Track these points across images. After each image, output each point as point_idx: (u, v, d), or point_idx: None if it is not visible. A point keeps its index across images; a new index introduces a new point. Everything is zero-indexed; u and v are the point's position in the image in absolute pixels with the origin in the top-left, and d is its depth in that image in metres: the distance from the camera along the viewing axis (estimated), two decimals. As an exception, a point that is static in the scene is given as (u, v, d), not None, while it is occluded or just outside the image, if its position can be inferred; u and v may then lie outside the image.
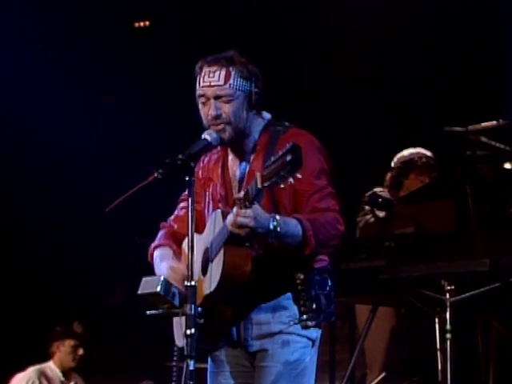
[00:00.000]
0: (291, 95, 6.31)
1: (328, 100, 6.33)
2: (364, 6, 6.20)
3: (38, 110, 6.41)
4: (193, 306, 3.10)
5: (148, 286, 3.35)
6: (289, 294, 3.30)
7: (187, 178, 3.18)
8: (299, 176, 2.94)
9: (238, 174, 3.41)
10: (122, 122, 6.63)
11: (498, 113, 4.79)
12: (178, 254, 3.49)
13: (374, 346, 5.41)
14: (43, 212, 6.65)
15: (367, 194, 5.30)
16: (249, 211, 3.08)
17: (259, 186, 3.02)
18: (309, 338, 3.32)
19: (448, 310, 4.77)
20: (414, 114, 6.15)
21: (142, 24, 6.69)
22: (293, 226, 3.16)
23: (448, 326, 4.78)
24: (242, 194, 3.12)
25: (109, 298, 6.89)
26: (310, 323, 3.26)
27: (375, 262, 5.02)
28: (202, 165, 3.51)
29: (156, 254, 3.48)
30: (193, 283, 3.12)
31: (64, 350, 6.30)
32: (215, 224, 3.30)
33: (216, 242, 3.25)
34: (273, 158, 2.99)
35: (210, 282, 3.24)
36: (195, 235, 3.35)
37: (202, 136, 3.32)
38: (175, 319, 3.46)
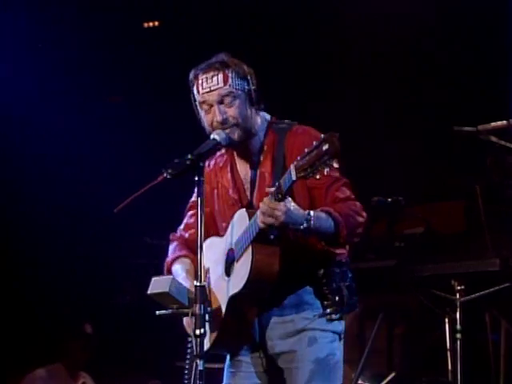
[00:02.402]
0: (293, 93, 6.30)
1: (334, 98, 6.32)
2: (372, 5, 6.18)
3: (43, 110, 6.41)
4: (202, 306, 3.09)
5: (158, 285, 3.35)
6: (310, 289, 3.28)
7: (196, 178, 3.18)
8: (336, 165, 2.92)
9: (248, 176, 3.40)
10: (129, 122, 6.64)
11: (508, 112, 4.77)
12: (195, 261, 3.43)
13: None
14: (54, 212, 6.65)
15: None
16: (282, 204, 3.06)
17: (294, 177, 3.01)
18: (334, 332, 3.30)
19: (458, 309, 4.76)
20: (423, 114, 6.13)
21: (151, 24, 6.69)
22: (324, 219, 3.15)
23: (458, 326, 4.78)
24: (273, 188, 3.10)
25: (118, 298, 6.89)
26: (334, 316, 3.24)
27: (385, 262, 5.01)
28: (208, 169, 3.49)
29: (175, 267, 3.46)
30: (202, 283, 3.11)
31: (73, 350, 6.30)
32: (239, 224, 3.28)
33: (242, 241, 3.23)
34: (307, 149, 2.97)
35: (236, 282, 3.22)
36: (214, 238, 3.39)
37: (211, 136, 3.32)
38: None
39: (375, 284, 5.03)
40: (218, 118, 3.31)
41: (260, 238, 3.15)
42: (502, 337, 5.21)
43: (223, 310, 3.25)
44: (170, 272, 3.50)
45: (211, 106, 3.33)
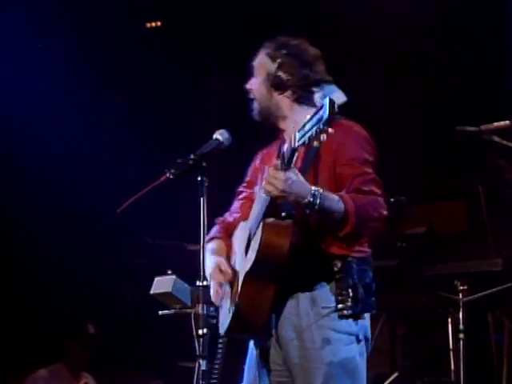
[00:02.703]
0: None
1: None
2: (376, 5, 6.18)
3: (44, 110, 6.41)
4: (205, 305, 3.08)
5: (160, 285, 3.37)
6: (326, 283, 3.22)
7: (199, 178, 3.17)
8: (331, 131, 2.89)
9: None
10: (130, 122, 6.63)
11: (510, 112, 4.77)
12: (230, 246, 3.45)
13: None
14: (55, 212, 6.65)
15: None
16: (282, 173, 3.04)
17: (293, 145, 3.02)
18: (350, 334, 3.23)
19: (461, 309, 4.76)
20: (426, 114, 6.12)
21: (153, 24, 6.68)
22: (335, 201, 3.10)
23: (461, 326, 4.77)
24: (278, 160, 3.10)
25: (120, 298, 6.89)
26: (346, 312, 3.18)
27: (387, 262, 5.00)
28: (260, 155, 3.53)
29: (208, 246, 3.43)
30: (205, 283, 3.10)
31: (75, 350, 6.30)
32: (259, 205, 3.27)
33: (257, 218, 3.23)
34: (308, 117, 2.98)
35: (249, 259, 3.20)
36: (242, 223, 3.39)
37: (214, 136, 3.32)
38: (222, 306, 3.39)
39: (377, 284, 5.02)
40: (247, 84, 3.46)
41: (272, 215, 3.13)
42: (504, 337, 5.21)
43: (240, 288, 3.22)
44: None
45: None
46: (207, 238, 3.43)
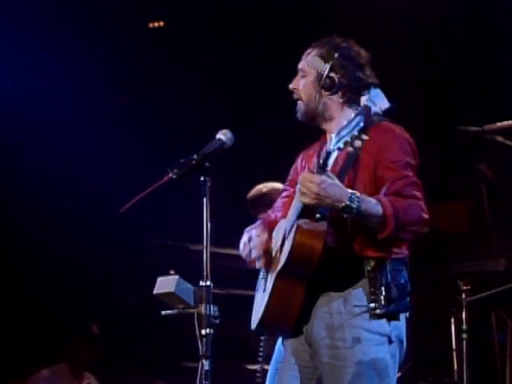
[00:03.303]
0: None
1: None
2: (376, 5, 6.18)
3: (45, 110, 6.41)
4: (208, 305, 3.09)
5: (163, 285, 3.34)
6: (360, 283, 3.20)
7: (202, 179, 3.17)
8: (366, 137, 2.92)
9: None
10: (133, 122, 6.64)
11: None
12: (268, 241, 3.43)
13: None
14: (60, 212, 6.66)
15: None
16: (316, 176, 3.05)
17: (328, 149, 3.05)
18: (382, 334, 3.20)
19: (464, 309, 4.75)
20: (428, 114, 6.12)
21: (156, 24, 6.69)
22: (372, 204, 3.08)
23: (464, 326, 4.77)
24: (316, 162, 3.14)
25: (122, 299, 6.89)
26: (378, 311, 3.16)
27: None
28: (302, 155, 3.51)
29: (245, 235, 3.45)
30: (207, 283, 3.11)
31: (78, 351, 6.30)
32: (295, 204, 3.28)
33: (292, 219, 3.23)
34: (345, 122, 3.00)
35: (282, 259, 3.21)
36: (282, 221, 3.39)
37: (217, 136, 3.31)
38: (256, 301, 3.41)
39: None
40: (290, 84, 3.42)
41: (306, 216, 3.14)
42: (507, 337, 5.21)
43: (273, 282, 3.23)
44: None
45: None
46: (246, 230, 3.47)
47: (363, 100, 3.35)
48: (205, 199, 3.15)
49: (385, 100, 3.38)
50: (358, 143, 2.94)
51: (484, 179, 4.89)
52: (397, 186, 3.17)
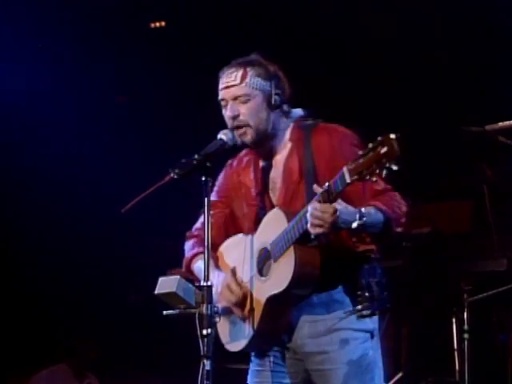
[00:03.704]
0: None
1: (340, 95, 6.31)
2: (376, 5, 6.17)
3: (47, 109, 6.41)
4: (209, 305, 3.09)
5: (165, 285, 3.35)
6: (340, 287, 3.25)
7: (203, 179, 3.16)
8: (395, 168, 2.86)
9: (272, 174, 3.37)
10: (135, 122, 6.64)
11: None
12: (215, 259, 3.45)
13: None
14: (63, 212, 6.67)
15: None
16: (330, 207, 3.03)
17: (348, 180, 2.97)
18: (366, 331, 3.26)
19: (465, 310, 4.75)
20: (430, 114, 6.11)
21: (157, 24, 6.68)
22: (374, 214, 3.12)
23: (465, 326, 4.76)
24: (322, 189, 3.07)
25: (125, 298, 6.89)
26: (365, 312, 3.20)
27: (392, 262, 5.00)
28: (230, 170, 3.49)
29: (198, 264, 3.43)
30: (209, 283, 3.10)
31: (79, 351, 6.30)
32: (273, 224, 3.25)
33: (281, 242, 3.20)
34: (361, 152, 2.93)
35: (276, 282, 3.20)
36: (239, 237, 3.39)
37: (218, 136, 3.31)
38: (222, 323, 3.37)
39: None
40: (229, 113, 3.30)
41: (302, 240, 3.15)
42: (509, 337, 5.20)
43: (260, 309, 3.23)
44: (189, 268, 3.48)
45: (227, 102, 3.32)
46: (190, 253, 3.46)
47: (294, 109, 3.37)
48: (206, 199, 3.15)
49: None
50: (385, 172, 2.88)
51: (485, 179, 4.88)
52: (370, 187, 3.19)
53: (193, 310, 3.22)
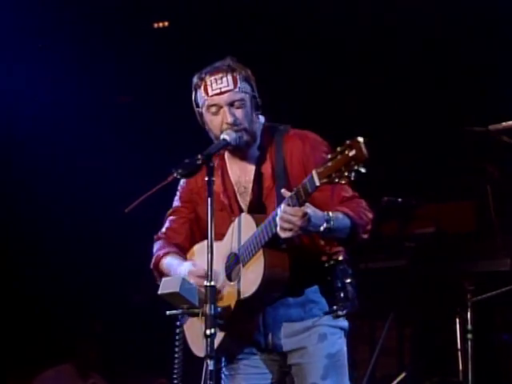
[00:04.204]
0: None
1: (345, 96, 6.31)
2: (377, 6, 6.17)
3: (49, 109, 6.41)
4: (212, 306, 3.09)
5: (168, 285, 3.33)
6: (315, 288, 3.29)
7: (206, 179, 3.15)
8: (363, 170, 2.88)
9: (242, 179, 3.36)
10: (136, 122, 6.63)
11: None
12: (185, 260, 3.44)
13: None
14: (66, 211, 6.66)
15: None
16: (299, 210, 3.04)
17: (317, 183, 2.98)
18: (341, 328, 3.33)
19: (469, 310, 4.74)
20: (434, 114, 6.10)
21: (161, 25, 6.67)
22: (341, 219, 3.15)
23: (469, 326, 4.76)
24: (291, 193, 3.07)
25: (128, 298, 6.89)
26: (340, 312, 3.25)
27: (395, 262, 5.00)
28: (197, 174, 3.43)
29: (167, 260, 3.42)
30: (212, 283, 3.10)
31: (83, 350, 6.30)
32: (242, 229, 3.26)
33: (250, 247, 3.21)
34: (330, 155, 2.94)
35: (246, 286, 3.21)
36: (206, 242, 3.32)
37: (221, 136, 3.29)
38: (191, 327, 3.41)
39: (385, 284, 5.02)
40: (230, 119, 3.27)
41: (271, 243, 3.16)
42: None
43: (229, 313, 3.22)
44: (157, 266, 3.45)
45: (220, 107, 3.29)
46: (162, 251, 3.44)
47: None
48: (209, 199, 3.13)
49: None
50: (353, 176, 2.91)
51: (489, 179, 4.88)
52: (338, 192, 3.24)
53: (196, 310, 3.23)
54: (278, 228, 3.07)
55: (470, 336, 4.75)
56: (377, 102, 6.16)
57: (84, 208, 6.56)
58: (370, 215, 3.24)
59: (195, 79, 3.37)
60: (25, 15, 6.22)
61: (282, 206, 3.06)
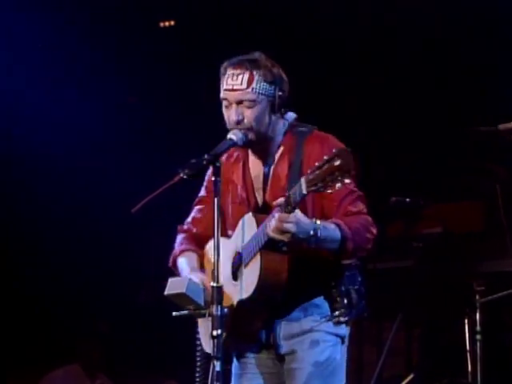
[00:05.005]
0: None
1: (350, 97, 6.29)
2: (377, 6, 6.16)
3: (53, 108, 6.41)
4: (219, 306, 3.07)
5: (174, 286, 3.32)
6: (319, 293, 3.27)
7: (213, 179, 3.14)
8: (348, 181, 2.92)
9: (261, 176, 3.36)
10: (137, 121, 6.63)
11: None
12: (202, 257, 3.46)
13: None
14: (71, 211, 6.66)
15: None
16: (292, 216, 3.05)
17: (304, 191, 2.99)
18: (337, 336, 3.28)
19: (478, 310, 4.72)
20: (442, 113, 6.09)
21: (167, 24, 6.67)
22: (332, 230, 3.14)
23: (478, 327, 4.74)
24: (282, 199, 3.08)
25: (135, 298, 6.89)
26: (342, 319, 3.23)
27: (403, 262, 4.98)
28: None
29: (181, 260, 3.44)
30: (219, 284, 3.09)
31: (90, 351, 6.30)
32: (246, 229, 3.27)
33: (250, 247, 3.22)
34: (317, 163, 2.96)
35: (245, 287, 3.22)
36: (222, 238, 3.31)
37: (228, 136, 3.28)
38: (202, 325, 3.42)
39: (393, 285, 4.99)
40: (234, 117, 3.26)
41: (269, 246, 3.15)
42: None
43: (232, 312, 3.22)
44: (175, 263, 3.46)
45: (231, 103, 3.28)
46: (178, 249, 3.45)
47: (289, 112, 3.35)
48: (216, 199, 3.12)
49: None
50: (339, 186, 2.94)
51: (498, 179, 4.85)
52: (345, 206, 3.22)
53: (202, 311, 3.23)
54: (270, 231, 3.08)
55: (478, 337, 4.73)
56: (377, 101, 6.14)
57: (84, 208, 6.57)
58: (369, 235, 3.19)
59: (221, 67, 3.35)
60: (26, 15, 6.22)
61: (276, 214, 3.06)
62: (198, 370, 3.46)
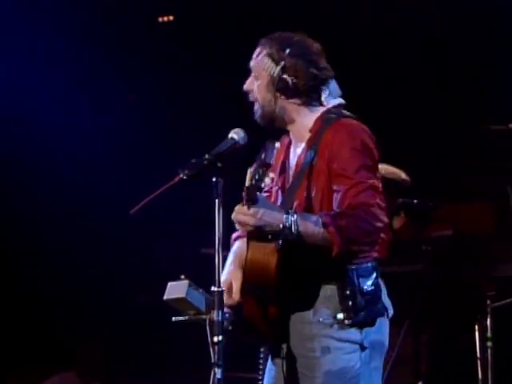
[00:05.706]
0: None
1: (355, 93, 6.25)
2: (377, 6, 6.13)
3: (50, 109, 6.41)
4: (220, 312, 3.03)
5: (174, 291, 3.25)
6: (330, 292, 3.16)
7: (214, 179, 3.08)
8: (272, 175, 3.04)
9: (288, 161, 3.34)
10: (137, 121, 6.62)
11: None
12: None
13: None
14: (71, 212, 6.67)
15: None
16: (251, 209, 3.01)
17: (247, 184, 3.05)
18: (353, 342, 3.15)
19: (489, 316, 4.65)
20: (452, 113, 6.04)
21: (166, 19, 6.67)
22: (312, 224, 3.03)
23: (489, 334, 4.67)
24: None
25: (135, 301, 6.88)
26: (346, 322, 3.12)
27: (411, 266, 4.90)
28: (281, 145, 3.43)
29: (235, 246, 3.37)
30: (219, 289, 3.04)
31: (89, 350, 6.32)
32: None
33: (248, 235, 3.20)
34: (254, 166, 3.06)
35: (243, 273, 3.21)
36: None
37: (229, 135, 3.23)
38: None
39: (401, 289, 4.89)
40: (244, 86, 3.32)
41: (256, 236, 3.10)
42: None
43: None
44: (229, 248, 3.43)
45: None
46: (234, 235, 3.41)
47: (323, 96, 3.29)
48: (217, 200, 3.07)
49: (339, 98, 3.36)
50: (268, 180, 3.04)
51: (510, 179, 4.78)
52: (348, 198, 3.10)
53: (203, 316, 3.15)
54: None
55: (489, 344, 4.68)
56: (377, 101, 6.08)
57: (84, 208, 6.58)
58: (368, 227, 3.03)
59: None
60: (26, 14, 6.22)
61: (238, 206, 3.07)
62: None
